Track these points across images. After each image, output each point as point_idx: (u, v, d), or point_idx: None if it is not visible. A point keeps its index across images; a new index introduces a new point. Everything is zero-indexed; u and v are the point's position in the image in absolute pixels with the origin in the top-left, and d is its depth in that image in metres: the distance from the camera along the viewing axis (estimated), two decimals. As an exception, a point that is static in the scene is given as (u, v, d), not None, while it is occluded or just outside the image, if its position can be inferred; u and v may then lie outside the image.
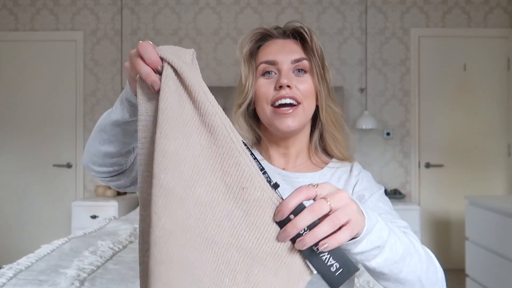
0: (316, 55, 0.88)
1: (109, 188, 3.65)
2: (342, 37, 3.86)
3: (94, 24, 3.90)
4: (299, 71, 0.89)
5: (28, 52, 3.92)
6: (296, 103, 0.87)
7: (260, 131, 0.97)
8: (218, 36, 3.89)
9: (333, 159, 0.97)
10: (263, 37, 0.94)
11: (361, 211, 0.58)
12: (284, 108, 0.86)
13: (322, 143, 0.97)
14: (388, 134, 3.82)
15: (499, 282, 2.35)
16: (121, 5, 3.85)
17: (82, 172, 3.88)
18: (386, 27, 3.86)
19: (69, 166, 3.90)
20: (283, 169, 0.95)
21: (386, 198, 0.90)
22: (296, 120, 0.87)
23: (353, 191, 0.89)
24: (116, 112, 0.72)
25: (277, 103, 0.87)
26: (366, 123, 3.60)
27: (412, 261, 0.67)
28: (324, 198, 0.54)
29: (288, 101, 0.86)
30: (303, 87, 0.88)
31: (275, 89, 0.87)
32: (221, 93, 3.74)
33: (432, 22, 3.85)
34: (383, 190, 0.91)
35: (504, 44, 3.83)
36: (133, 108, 0.69)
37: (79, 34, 3.89)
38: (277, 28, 0.95)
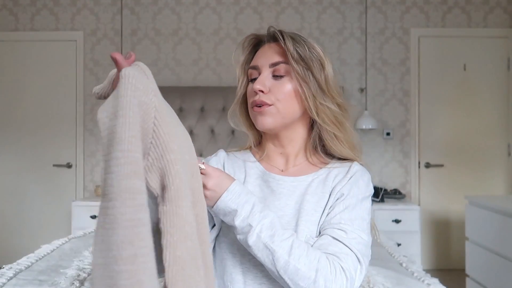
0: (291, 56, 0.88)
1: (109, 188, 3.65)
2: (342, 37, 3.86)
3: (94, 24, 3.90)
4: (277, 75, 0.91)
5: (28, 52, 3.92)
6: (269, 105, 0.90)
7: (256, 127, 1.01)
8: (218, 36, 3.89)
9: (334, 160, 0.97)
10: (258, 43, 0.97)
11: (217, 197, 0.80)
12: (257, 107, 0.91)
13: (322, 143, 0.97)
14: (388, 134, 3.82)
15: (499, 282, 2.35)
16: (121, 5, 3.85)
17: (82, 172, 3.88)
18: (386, 27, 3.86)
19: (69, 166, 3.90)
20: (282, 170, 0.96)
21: (364, 205, 0.89)
22: (270, 119, 0.90)
23: (339, 191, 0.90)
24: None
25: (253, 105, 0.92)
26: (366, 123, 3.60)
27: (274, 254, 0.78)
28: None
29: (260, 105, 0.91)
30: (279, 90, 0.90)
31: (253, 93, 0.92)
32: (221, 93, 3.77)
33: (432, 22, 3.85)
34: (367, 197, 0.91)
35: (504, 44, 3.83)
36: None
37: (79, 34, 3.89)
38: (268, 29, 0.97)
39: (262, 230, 0.79)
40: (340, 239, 0.82)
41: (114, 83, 0.66)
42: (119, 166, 0.52)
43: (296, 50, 0.88)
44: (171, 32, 3.89)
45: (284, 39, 0.89)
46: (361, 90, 3.83)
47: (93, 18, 3.90)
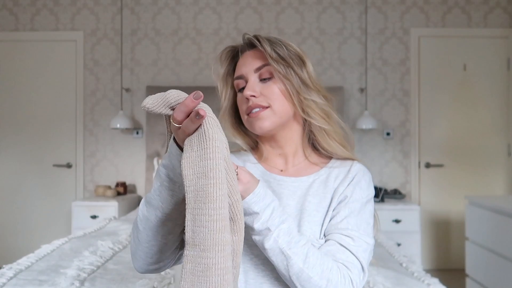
0: (270, 56, 0.90)
1: (109, 188, 3.65)
2: (342, 37, 3.86)
3: (94, 24, 3.90)
4: (264, 78, 0.93)
5: (28, 52, 3.92)
6: (265, 107, 0.91)
7: (254, 136, 1.02)
8: (218, 36, 3.89)
9: (333, 159, 0.97)
10: (236, 54, 0.98)
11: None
12: (253, 112, 0.91)
13: (316, 140, 0.98)
14: (388, 134, 3.83)
15: (499, 282, 2.35)
16: (121, 5, 3.85)
17: (82, 172, 3.88)
18: (386, 27, 3.86)
19: (69, 166, 3.90)
20: (282, 170, 0.97)
21: (368, 209, 0.91)
22: (266, 121, 0.91)
23: (342, 193, 0.91)
24: (175, 192, 0.75)
25: (248, 112, 0.93)
26: (366, 123, 3.60)
27: (289, 261, 0.79)
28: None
29: (256, 110, 0.91)
30: (270, 92, 0.91)
31: (245, 101, 0.93)
32: (221, 93, 3.75)
33: (432, 22, 3.85)
34: (370, 199, 0.92)
35: (504, 44, 3.83)
36: (171, 184, 0.75)
37: (79, 34, 3.89)
38: (243, 37, 0.98)
39: (280, 235, 0.79)
40: (347, 247, 0.84)
41: (181, 116, 0.67)
42: (211, 222, 0.62)
43: (274, 50, 0.90)
44: (171, 32, 3.89)
45: (260, 42, 0.91)
46: (361, 90, 3.83)
47: (93, 18, 3.90)
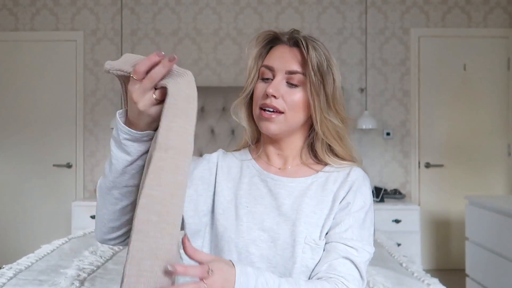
0: (311, 68, 0.88)
1: (109, 188, 3.65)
2: (342, 37, 3.86)
3: (94, 24, 3.90)
4: (291, 83, 0.90)
5: (28, 52, 3.92)
6: (279, 111, 0.90)
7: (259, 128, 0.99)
8: (218, 36, 3.89)
9: (329, 163, 0.97)
10: (274, 39, 0.95)
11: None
12: (267, 112, 0.90)
13: (317, 151, 0.97)
14: (388, 134, 3.83)
15: (499, 282, 2.35)
16: (121, 5, 3.85)
17: (82, 172, 3.88)
18: (386, 27, 3.86)
19: (69, 166, 3.90)
20: (280, 169, 0.97)
21: (369, 217, 0.92)
22: (276, 126, 0.90)
23: (343, 198, 0.91)
24: (119, 160, 0.77)
25: (263, 107, 0.91)
26: (366, 123, 3.60)
27: None
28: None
29: (270, 111, 0.90)
30: (291, 99, 0.90)
31: (264, 95, 0.90)
32: (221, 93, 3.77)
33: (432, 22, 3.85)
34: (370, 206, 0.92)
35: (504, 44, 3.83)
36: (129, 146, 0.75)
37: (79, 34, 3.89)
38: (292, 32, 0.94)
39: None
40: (351, 259, 0.85)
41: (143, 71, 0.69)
42: (187, 134, 0.70)
43: (317, 63, 0.88)
44: (171, 32, 3.89)
45: (308, 51, 0.88)
46: (361, 90, 3.83)
47: (93, 18, 3.90)
